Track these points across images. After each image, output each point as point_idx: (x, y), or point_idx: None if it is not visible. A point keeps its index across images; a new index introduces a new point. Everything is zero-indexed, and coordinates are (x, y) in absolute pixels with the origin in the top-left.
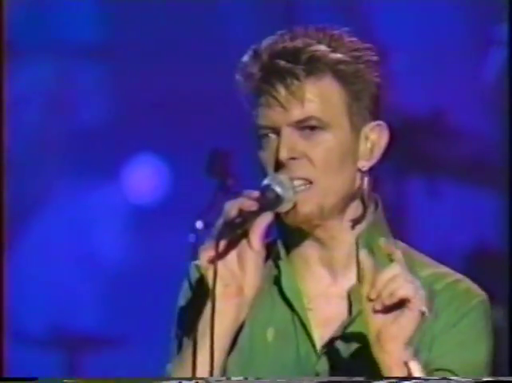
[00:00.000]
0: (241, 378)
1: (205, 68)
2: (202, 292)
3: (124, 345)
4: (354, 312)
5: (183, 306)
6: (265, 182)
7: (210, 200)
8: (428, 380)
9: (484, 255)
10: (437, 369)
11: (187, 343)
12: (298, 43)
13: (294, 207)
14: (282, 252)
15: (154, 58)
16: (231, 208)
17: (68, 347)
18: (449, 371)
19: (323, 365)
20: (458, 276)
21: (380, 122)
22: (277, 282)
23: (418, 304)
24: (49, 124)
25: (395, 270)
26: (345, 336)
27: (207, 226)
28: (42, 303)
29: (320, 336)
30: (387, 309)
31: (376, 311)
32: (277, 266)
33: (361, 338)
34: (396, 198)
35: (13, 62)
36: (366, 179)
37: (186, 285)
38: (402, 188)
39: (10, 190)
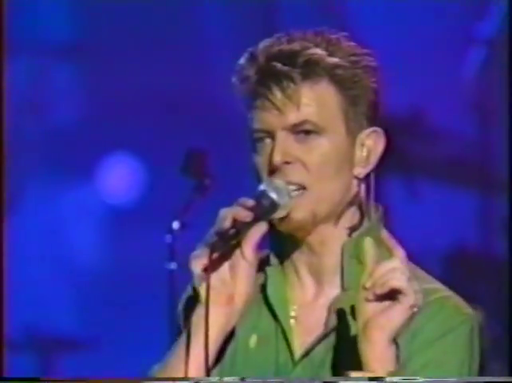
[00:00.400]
0: (236, 379)
1: (180, 67)
2: (194, 299)
3: (98, 346)
4: (332, 323)
5: (181, 311)
6: (261, 188)
7: (187, 200)
8: (426, 380)
9: (463, 256)
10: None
11: (177, 348)
12: (295, 46)
13: (287, 213)
14: (273, 259)
15: (129, 58)
16: (225, 218)
17: (41, 348)
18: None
19: (298, 374)
20: (448, 293)
21: (377, 128)
22: (263, 289)
23: (409, 299)
24: (22, 124)
25: (394, 263)
26: (323, 346)
27: (184, 226)
28: (15, 304)
29: (300, 344)
30: (379, 298)
31: (367, 300)
32: (265, 274)
33: (338, 349)
34: (375, 199)
35: None
36: (363, 187)
37: (188, 290)
38: (380, 189)
39: None
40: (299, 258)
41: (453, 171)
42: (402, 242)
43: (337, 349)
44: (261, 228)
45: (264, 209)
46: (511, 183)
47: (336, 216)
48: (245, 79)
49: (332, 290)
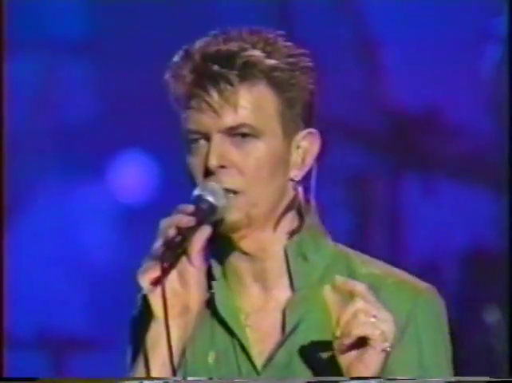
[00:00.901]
0: (205, 378)
1: None
2: (146, 315)
3: (110, 346)
4: (290, 325)
5: (135, 322)
6: (196, 192)
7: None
8: (426, 380)
9: (481, 255)
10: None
11: (136, 370)
12: (233, 46)
13: (223, 216)
14: (216, 271)
15: (143, 55)
16: (169, 227)
17: (54, 349)
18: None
19: (263, 382)
20: (403, 276)
21: (312, 130)
22: (212, 304)
23: (379, 341)
24: (35, 122)
25: (356, 305)
26: (285, 350)
27: None
28: (28, 304)
29: (260, 352)
30: (351, 347)
31: (341, 350)
32: (211, 288)
33: (300, 351)
34: (392, 197)
35: None
36: (300, 189)
37: (138, 306)
38: (397, 187)
39: None
40: (241, 266)
41: (471, 168)
42: (419, 241)
43: (301, 351)
44: (205, 232)
45: (204, 213)
46: None
47: (274, 221)
48: (179, 77)
49: (281, 293)
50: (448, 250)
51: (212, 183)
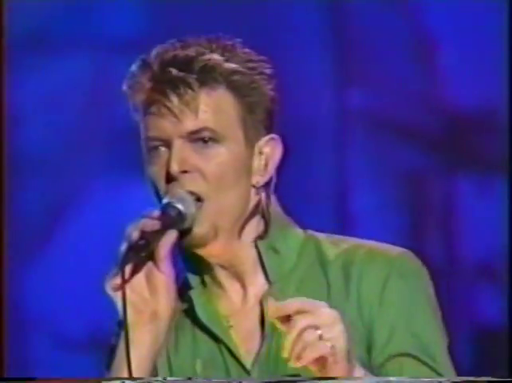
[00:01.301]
0: (185, 378)
1: None
2: (119, 323)
3: None
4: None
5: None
6: (165, 200)
7: None
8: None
9: None
10: (392, 356)
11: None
12: (190, 52)
13: (190, 228)
14: (192, 281)
15: None
16: (133, 231)
17: (105, 349)
18: (407, 355)
19: (255, 381)
20: (374, 245)
21: (274, 135)
22: (191, 313)
23: (334, 356)
24: (83, 122)
25: (296, 328)
26: (270, 344)
27: None
28: (79, 305)
29: (247, 351)
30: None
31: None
32: (189, 297)
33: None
34: (446, 197)
35: (41, 58)
36: (263, 195)
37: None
38: (452, 187)
39: (40, 190)
40: (215, 271)
41: None
42: (473, 243)
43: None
44: (171, 237)
45: (171, 219)
46: None
47: (239, 228)
48: (137, 86)
49: (257, 289)
50: (503, 251)
51: (181, 191)
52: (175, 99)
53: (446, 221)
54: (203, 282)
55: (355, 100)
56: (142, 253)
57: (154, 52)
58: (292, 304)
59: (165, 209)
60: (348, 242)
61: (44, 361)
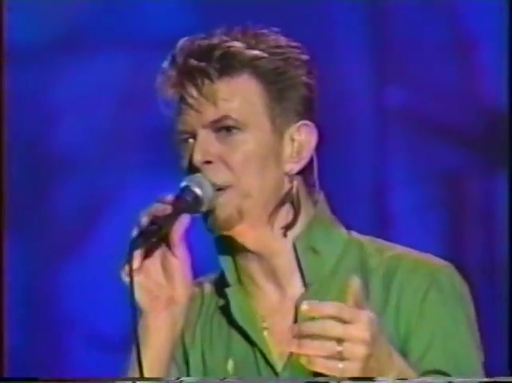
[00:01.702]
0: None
1: None
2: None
3: None
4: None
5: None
6: (184, 183)
7: None
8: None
9: None
10: (426, 372)
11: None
12: (213, 40)
13: (213, 211)
14: (230, 277)
15: None
16: (143, 216)
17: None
18: (441, 373)
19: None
20: (418, 255)
21: (307, 122)
22: (227, 311)
23: (344, 374)
24: (118, 122)
25: (316, 331)
26: None
27: None
28: (116, 305)
29: (280, 354)
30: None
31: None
32: (225, 295)
33: None
34: (485, 198)
35: (79, 56)
36: (295, 183)
37: None
38: (491, 187)
39: (76, 189)
40: (251, 267)
41: None
42: None
43: None
44: (183, 221)
45: (187, 204)
46: None
47: (267, 215)
48: (166, 81)
49: (295, 290)
50: None
51: (199, 175)
52: (193, 91)
53: (486, 221)
54: (240, 280)
55: (394, 99)
56: (153, 238)
57: (179, 44)
58: (329, 307)
59: (181, 193)
60: (393, 250)
61: (78, 361)
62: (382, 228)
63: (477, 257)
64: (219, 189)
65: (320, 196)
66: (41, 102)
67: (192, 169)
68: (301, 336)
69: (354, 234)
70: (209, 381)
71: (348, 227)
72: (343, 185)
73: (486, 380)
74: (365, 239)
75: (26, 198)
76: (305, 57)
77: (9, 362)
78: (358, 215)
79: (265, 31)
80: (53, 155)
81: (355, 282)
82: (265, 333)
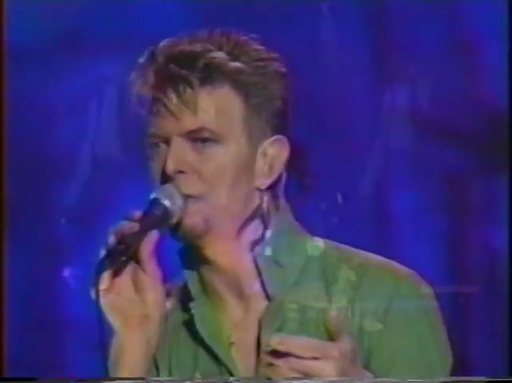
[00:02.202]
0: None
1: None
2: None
3: None
4: (265, 338)
5: None
6: (153, 196)
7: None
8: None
9: None
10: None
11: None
12: (197, 47)
13: (181, 220)
14: (194, 291)
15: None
16: (110, 235)
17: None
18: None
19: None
20: (385, 263)
21: (279, 136)
22: (192, 326)
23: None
24: (113, 125)
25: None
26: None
27: None
28: None
29: (245, 367)
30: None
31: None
32: (189, 309)
33: None
34: (487, 199)
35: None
36: (265, 199)
37: None
38: (493, 188)
39: (77, 189)
40: (216, 280)
41: None
42: None
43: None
44: (152, 237)
45: (156, 218)
46: None
47: (236, 230)
48: (142, 79)
49: (259, 302)
50: None
51: (168, 186)
52: (174, 97)
53: (488, 223)
54: (204, 292)
55: (397, 99)
56: (121, 257)
57: (161, 44)
58: (297, 344)
59: (150, 207)
60: (358, 257)
61: (77, 362)
62: (384, 228)
63: (478, 257)
64: (189, 197)
65: (285, 206)
66: (42, 102)
67: (163, 177)
68: (268, 363)
69: (319, 242)
70: (194, 380)
71: (353, 228)
72: (344, 186)
73: (486, 380)
74: (330, 247)
75: (26, 197)
76: (283, 69)
77: (9, 362)
78: (361, 216)
79: (247, 39)
80: (52, 156)
81: (331, 315)
82: (232, 349)
